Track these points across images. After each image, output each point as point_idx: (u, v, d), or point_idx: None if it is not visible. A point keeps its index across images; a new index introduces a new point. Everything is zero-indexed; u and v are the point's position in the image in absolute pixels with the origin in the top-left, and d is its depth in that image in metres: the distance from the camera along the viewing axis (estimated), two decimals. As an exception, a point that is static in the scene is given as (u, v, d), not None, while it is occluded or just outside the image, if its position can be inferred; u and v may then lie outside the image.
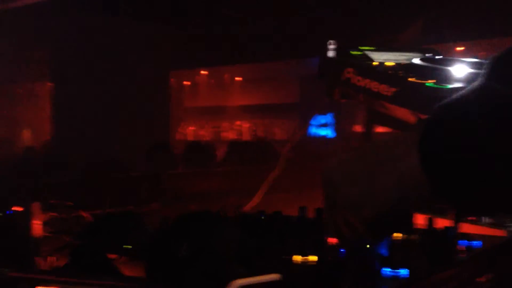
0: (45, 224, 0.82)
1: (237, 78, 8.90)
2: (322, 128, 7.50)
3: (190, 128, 9.37)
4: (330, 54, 1.51)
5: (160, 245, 0.48)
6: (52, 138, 6.09)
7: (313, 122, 7.32)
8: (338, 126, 7.40)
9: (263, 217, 0.99)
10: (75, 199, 1.05)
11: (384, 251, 0.66)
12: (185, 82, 9.21)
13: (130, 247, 0.68)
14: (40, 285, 0.68)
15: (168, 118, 7.02)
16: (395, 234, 0.87)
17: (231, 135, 8.91)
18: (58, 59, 5.98)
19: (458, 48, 5.55)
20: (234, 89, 8.94)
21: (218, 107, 9.00)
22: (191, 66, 8.01)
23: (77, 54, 5.63)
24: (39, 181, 1.18)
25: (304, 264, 0.70)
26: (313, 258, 0.71)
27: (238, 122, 8.97)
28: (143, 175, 1.53)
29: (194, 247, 0.47)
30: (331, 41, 1.51)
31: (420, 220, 0.90)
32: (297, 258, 0.72)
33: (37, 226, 0.76)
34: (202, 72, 8.96)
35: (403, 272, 0.64)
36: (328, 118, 7.49)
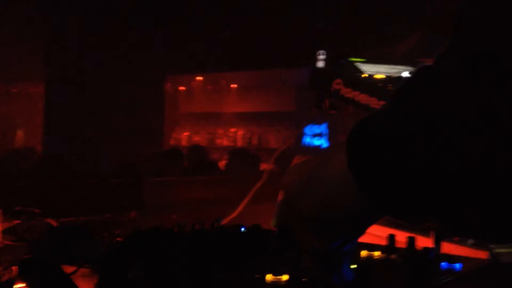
0: (8, 231, 0.79)
1: (232, 85, 8.89)
2: (316, 138, 7.49)
3: (185, 133, 9.34)
4: (320, 64, 1.49)
5: (110, 263, 0.45)
6: (44, 140, 6.05)
7: (307, 131, 7.30)
8: (332, 136, 7.39)
9: (242, 230, 0.96)
10: (48, 205, 1.02)
11: (348, 272, 0.63)
12: (180, 88, 9.19)
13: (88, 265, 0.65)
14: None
15: (163, 123, 7.00)
16: (374, 253, 0.85)
17: (225, 142, 8.89)
18: (53, 60, 5.96)
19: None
20: (230, 96, 8.93)
21: (213, 114, 8.98)
22: (187, 71, 8.00)
23: (72, 56, 5.61)
24: (12, 184, 1.15)
25: (275, 283, 0.67)
26: (285, 277, 0.68)
27: (232, 129, 8.95)
28: (124, 182, 1.50)
29: (147, 266, 0.44)
30: (321, 51, 1.49)
31: (400, 238, 0.87)
32: (269, 276, 0.69)
33: (-2, 234, 0.72)
34: (198, 78, 8.94)
35: (377, 296, 0.61)
36: (322, 128, 7.47)
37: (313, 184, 0.53)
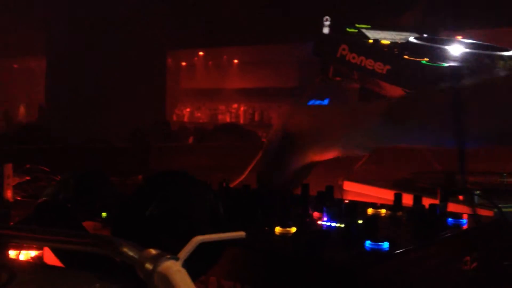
0: (18, 187, 0.80)
1: (235, 60, 8.85)
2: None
3: (187, 109, 9.33)
4: (325, 30, 1.48)
5: (127, 203, 0.46)
6: (46, 113, 6.05)
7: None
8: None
9: (249, 190, 0.96)
10: (56, 168, 1.02)
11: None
12: (182, 63, 9.16)
13: (104, 214, 0.65)
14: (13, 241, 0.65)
15: (165, 98, 6.98)
16: (380, 210, 0.85)
17: (227, 118, 8.88)
18: (54, 34, 5.93)
19: (457, 37, 5.50)
20: (232, 71, 8.89)
21: (215, 89, 8.95)
22: (188, 46, 7.95)
23: (73, 30, 5.58)
24: (20, 146, 1.16)
25: (283, 234, 0.68)
26: (293, 229, 0.69)
27: (235, 105, 8.93)
28: (129, 147, 1.51)
29: (163, 206, 0.44)
30: (327, 17, 1.49)
31: (407, 199, 0.88)
32: (278, 229, 0.70)
33: (8, 189, 0.73)
34: (200, 53, 8.90)
35: (384, 245, 0.62)
36: (325, 103, 7.44)
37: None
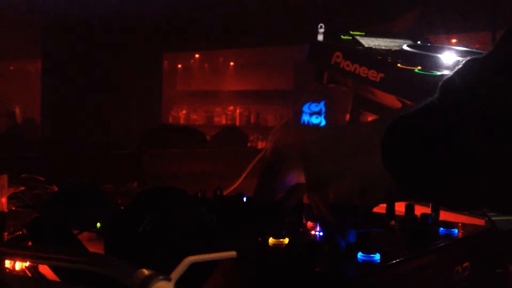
0: (13, 197, 0.80)
1: (231, 63, 8.85)
2: (314, 116, 7.49)
3: (183, 111, 9.32)
4: (320, 37, 1.49)
5: (119, 219, 0.46)
6: (41, 117, 6.04)
7: (305, 109, 7.31)
8: (330, 114, 7.39)
9: (244, 199, 0.97)
10: (50, 176, 1.03)
11: (352, 236, 0.65)
12: (178, 65, 9.16)
13: (99, 225, 0.66)
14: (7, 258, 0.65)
15: (161, 101, 6.99)
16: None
17: (223, 120, 8.88)
18: (50, 37, 5.92)
19: (452, 41, 5.53)
20: (228, 73, 8.90)
21: (211, 91, 8.96)
22: (185, 49, 7.96)
23: (69, 32, 5.57)
24: (13, 154, 1.16)
25: (277, 246, 0.69)
26: (286, 240, 0.70)
27: (231, 107, 8.93)
28: (124, 153, 1.51)
29: (156, 222, 0.45)
30: (321, 25, 1.49)
31: (398, 207, 0.88)
32: (271, 240, 0.70)
33: (3, 199, 0.73)
34: (196, 55, 8.90)
35: (376, 257, 0.63)
36: (321, 106, 7.47)
37: (348, 169, 0.51)
